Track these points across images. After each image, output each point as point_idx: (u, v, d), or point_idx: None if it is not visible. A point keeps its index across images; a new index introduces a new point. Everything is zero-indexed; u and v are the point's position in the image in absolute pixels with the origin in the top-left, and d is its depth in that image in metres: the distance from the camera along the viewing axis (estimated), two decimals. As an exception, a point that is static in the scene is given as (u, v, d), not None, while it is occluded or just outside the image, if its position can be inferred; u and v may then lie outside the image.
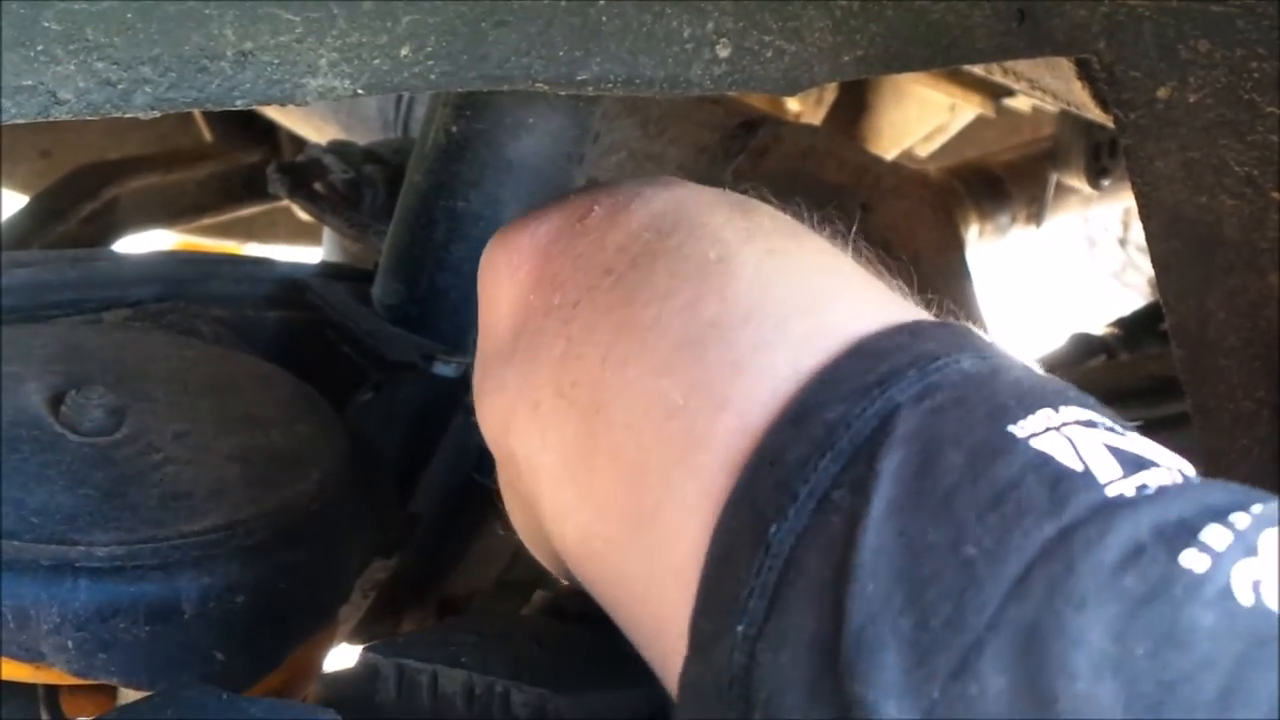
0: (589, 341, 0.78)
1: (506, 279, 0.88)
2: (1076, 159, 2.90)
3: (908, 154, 3.21)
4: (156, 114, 0.97)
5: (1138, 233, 5.07)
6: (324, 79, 1.01)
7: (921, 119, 3.30)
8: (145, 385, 1.17)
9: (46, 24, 0.92)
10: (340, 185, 1.62)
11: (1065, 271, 5.00)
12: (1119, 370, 2.28)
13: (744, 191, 0.95)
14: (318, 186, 1.63)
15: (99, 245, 2.43)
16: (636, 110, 1.94)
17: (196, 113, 2.72)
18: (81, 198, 2.38)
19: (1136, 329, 2.52)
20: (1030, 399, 0.68)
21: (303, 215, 2.18)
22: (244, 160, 2.66)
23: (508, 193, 1.33)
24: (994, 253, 3.13)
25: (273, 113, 2.45)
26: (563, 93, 1.13)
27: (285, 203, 2.80)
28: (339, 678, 0.98)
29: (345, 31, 1.01)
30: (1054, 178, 3.06)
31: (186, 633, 1.02)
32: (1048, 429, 0.66)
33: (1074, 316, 4.06)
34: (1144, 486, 0.65)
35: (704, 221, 0.82)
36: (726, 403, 0.71)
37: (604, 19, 1.11)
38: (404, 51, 1.04)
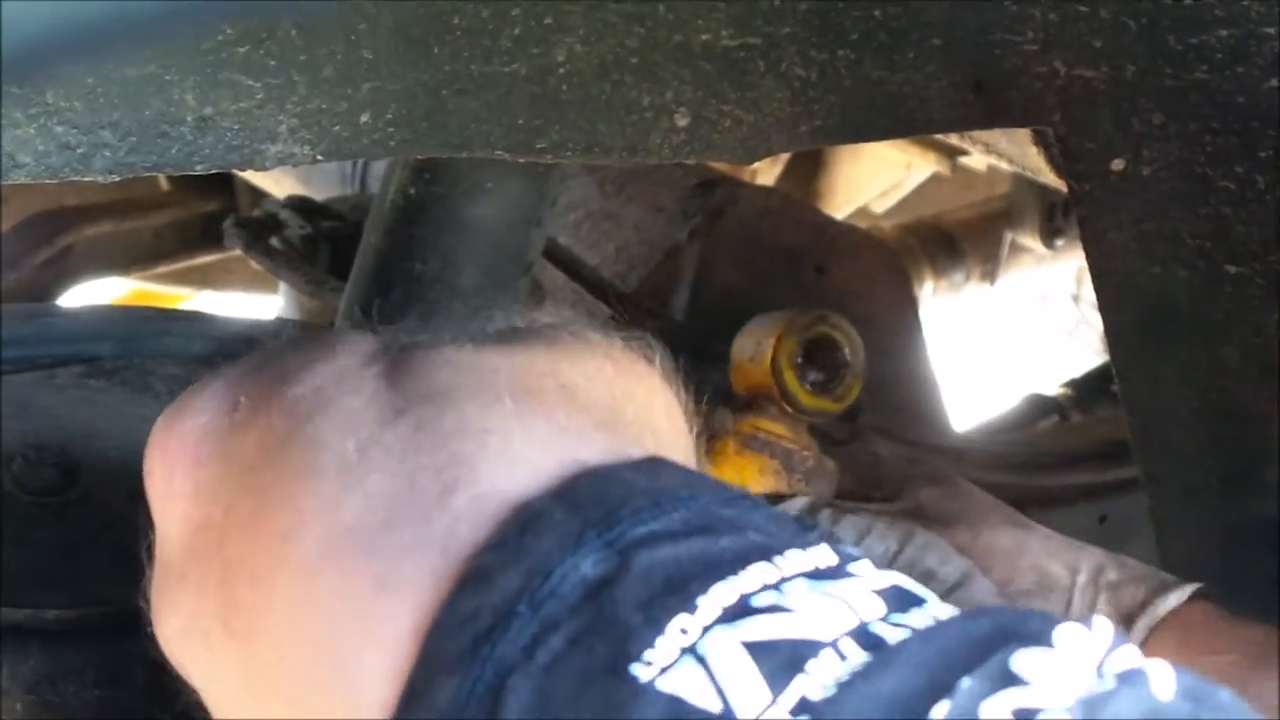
0: (242, 561, 0.68)
1: (164, 490, 0.76)
2: (1031, 219, 2.93)
3: (864, 210, 3.22)
4: (116, 178, 0.97)
5: (1090, 289, 5.09)
6: (283, 145, 1.02)
7: (878, 176, 3.31)
8: (98, 444, 1.17)
9: (7, 87, 0.92)
10: (296, 241, 1.62)
11: (1018, 327, 5.01)
12: (1070, 433, 2.29)
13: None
14: (274, 242, 1.63)
15: (54, 291, 2.42)
16: (594, 169, 1.95)
17: (153, 160, 2.71)
18: (37, 244, 2.37)
19: (1089, 390, 2.53)
20: (668, 600, 0.58)
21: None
22: (201, 209, 2.65)
23: (465, 256, 1.33)
24: (947, 308, 3.14)
25: (230, 163, 2.44)
26: (521, 160, 1.14)
27: (239, 252, 2.81)
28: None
29: (306, 98, 1.01)
30: (1008, 237, 3.08)
31: (137, 698, 1.01)
32: (681, 652, 0.55)
33: (1026, 372, 4.08)
34: (805, 699, 0.54)
35: (345, 404, 0.71)
36: (369, 634, 0.62)
37: (563, 88, 1.12)
38: (364, 118, 1.04)
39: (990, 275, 3.18)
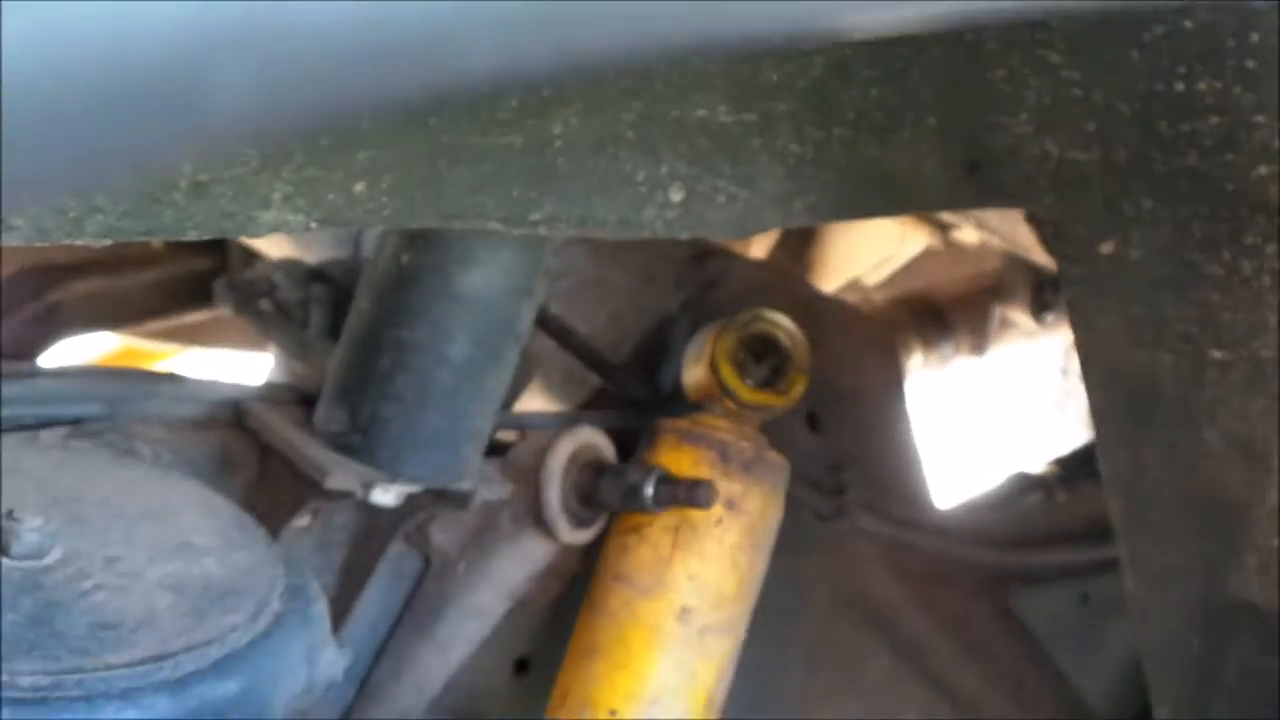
0: None
1: None
2: (1020, 294, 2.93)
3: (856, 282, 3.23)
4: (108, 242, 0.97)
5: (1077, 363, 5.10)
6: (278, 212, 1.02)
7: (870, 249, 3.31)
8: (80, 508, 1.16)
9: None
10: (288, 304, 1.61)
11: (1006, 399, 5.01)
12: (1055, 511, 2.28)
13: None
14: (265, 304, 1.63)
15: (42, 347, 2.42)
16: (588, 238, 1.94)
17: (145, 217, 2.71)
18: (25, 299, 2.36)
19: (1076, 468, 2.52)
20: None
21: (248, 327, 2.17)
22: (192, 267, 2.64)
23: (456, 325, 1.33)
24: (936, 381, 3.14)
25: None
26: (516, 232, 1.14)
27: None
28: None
29: (301, 166, 1.02)
30: (997, 311, 3.08)
31: (111, 766, 1.01)
32: None
33: (1014, 445, 4.07)
34: None
35: None
36: None
37: (559, 160, 1.12)
38: (359, 187, 1.04)
39: (979, 348, 3.18)
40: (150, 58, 0.35)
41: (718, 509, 1.54)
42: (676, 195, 1.18)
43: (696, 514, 1.54)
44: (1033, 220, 1.57)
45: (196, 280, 2.67)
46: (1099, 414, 1.46)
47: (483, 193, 1.10)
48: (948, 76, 1.28)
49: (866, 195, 1.29)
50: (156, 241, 2.70)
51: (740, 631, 1.60)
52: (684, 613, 1.54)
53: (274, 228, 1.02)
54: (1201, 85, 1.24)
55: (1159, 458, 1.44)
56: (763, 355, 1.62)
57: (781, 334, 1.62)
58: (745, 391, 1.59)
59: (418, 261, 1.32)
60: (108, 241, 0.97)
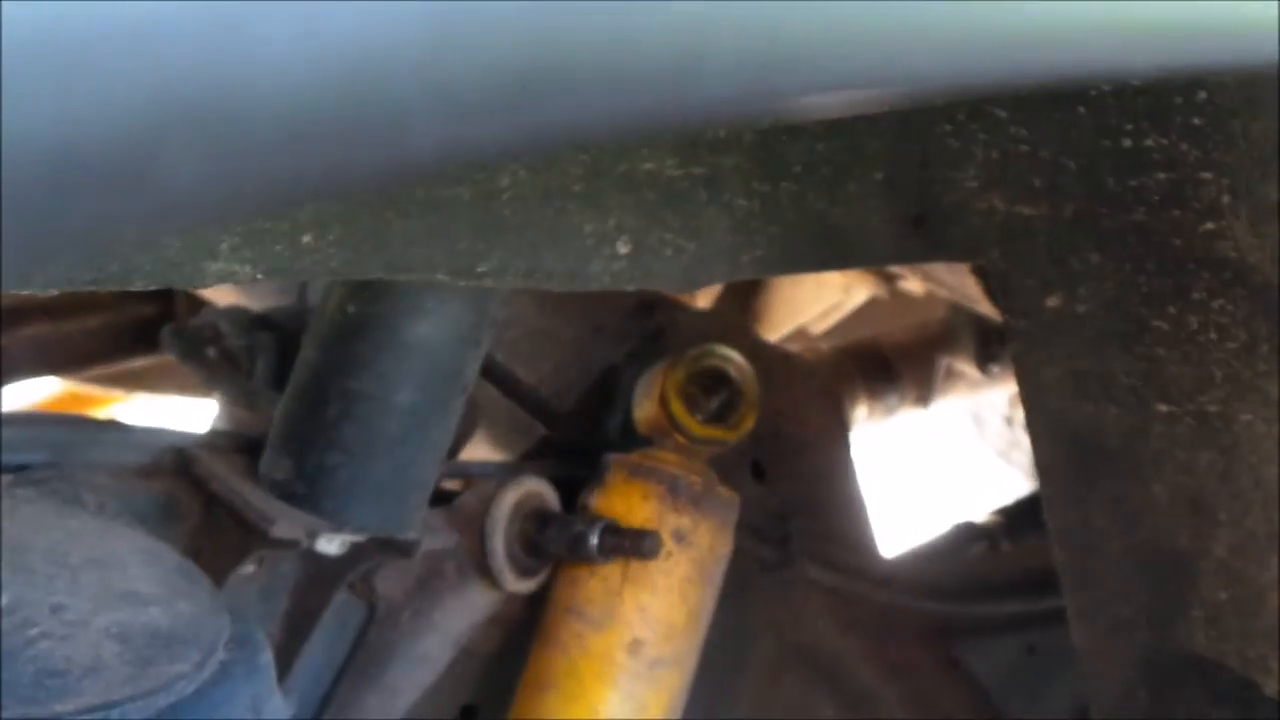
0: None
1: None
2: (966, 344, 2.94)
3: (802, 331, 3.24)
4: (55, 292, 0.97)
5: (1023, 413, 5.12)
6: (224, 263, 1.02)
7: (817, 298, 3.32)
8: (25, 557, 1.15)
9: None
10: (233, 351, 1.61)
11: (950, 449, 5.03)
12: (1000, 562, 2.29)
13: None
14: (209, 351, 1.62)
15: (-16, 391, 2.41)
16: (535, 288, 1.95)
17: (91, 262, 2.70)
18: (-33, 343, 2.35)
19: (1020, 519, 2.53)
20: None
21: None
22: (136, 313, 2.64)
23: (402, 374, 1.32)
24: (880, 431, 3.15)
25: (168, 266, 2.43)
26: (463, 284, 1.14)
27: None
28: None
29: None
30: (943, 361, 3.09)
31: (53, 819, 1.00)
32: None
33: (959, 495, 4.09)
34: None
35: None
36: None
37: (506, 213, 1.12)
38: (306, 239, 1.04)
39: (924, 399, 3.19)
40: (102, 141, 0.35)
41: (667, 542, 1.55)
42: (624, 248, 1.19)
43: None
44: (979, 273, 1.58)
45: (141, 325, 2.66)
46: (1044, 467, 1.46)
47: (430, 244, 1.10)
48: (895, 131, 1.29)
49: (813, 248, 1.30)
50: (102, 287, 2.69)
51: (690, 664, 1.61)
52: (634, 645, 1.55)
53: (221, 278, 1.02)
54: (1149, 142, 1.25)
55: (1104, 511, 1.44)
56: (713, 390, 1.63)
57: (732, 369, 1.63)
58: (695, 426, 1.60)
59: (365, 311, 1.32)
60: (54, 292, 0.97)
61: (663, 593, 1.56)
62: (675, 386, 1.60)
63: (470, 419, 1.68)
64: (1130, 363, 1.37)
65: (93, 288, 0.98)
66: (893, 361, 3.15)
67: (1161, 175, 1.26)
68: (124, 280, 0.98)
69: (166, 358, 2.76)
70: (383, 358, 1.33)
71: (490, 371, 1.79)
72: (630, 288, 1.21)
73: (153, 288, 1.00)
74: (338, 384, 1.34)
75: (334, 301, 1.34)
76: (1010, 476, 4.53)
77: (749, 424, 1.63)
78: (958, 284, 1.85)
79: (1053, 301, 1.37)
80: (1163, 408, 1.37)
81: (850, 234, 1.31)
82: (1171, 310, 1.33)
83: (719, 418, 1.63)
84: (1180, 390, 1.35)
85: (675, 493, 1.57)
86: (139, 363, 2.72)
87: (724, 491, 1.60)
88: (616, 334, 1.83)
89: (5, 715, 1.00)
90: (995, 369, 3.00)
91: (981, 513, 2.60)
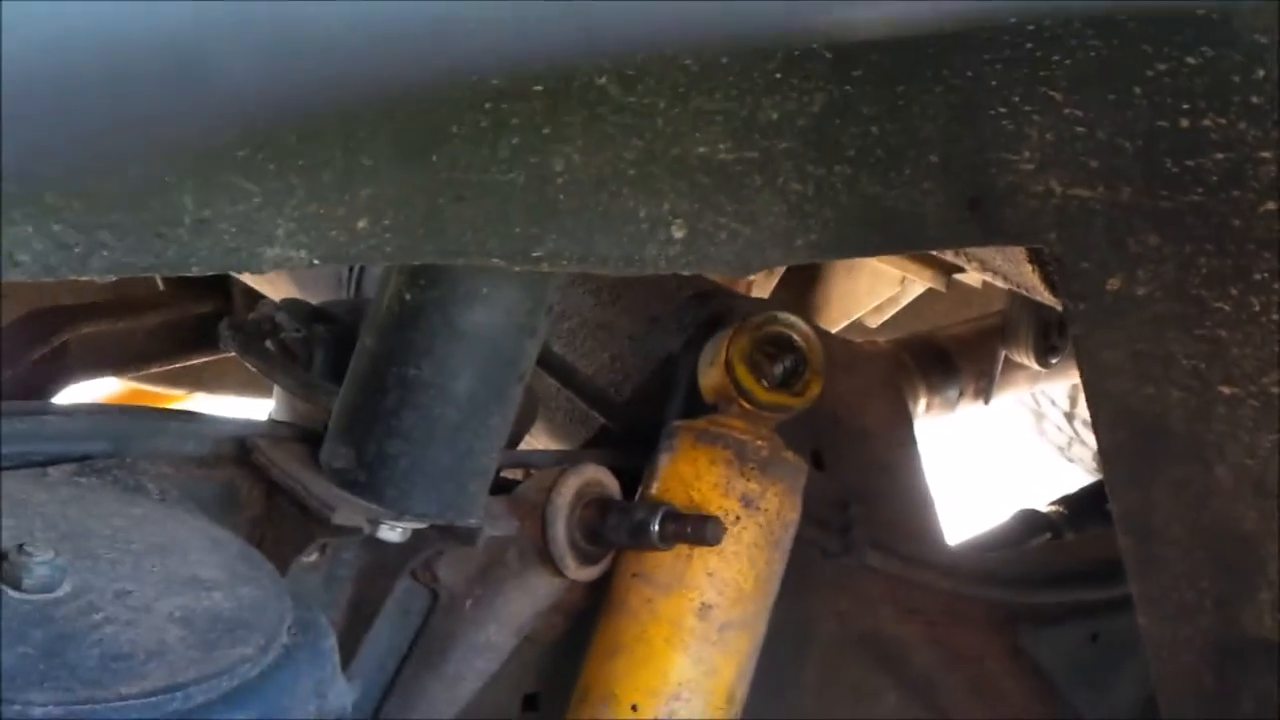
0: None
1: None
2: (1025, 336, 2.92)
3: (858, 324, 3.22)
4: (113, 278, 0.97)
5: (1085, 408, 5.09)
6: (281, 249, 1.02)
7: (873, 291, 3.31)
8: (89, 543, 1.16)
9: (5, 186, 0.92)
10: (291, 344, 1.61)
11: (1011, 446, 5.00)
12: (1063, 551, 2.28)
13: None
14: (268, 344, 1.63)
15: (49, 389, 2.42)
16: (589, 279, 1.95)
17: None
18: (33, 341, 2.37)
19: (1082, 508, 2.52)
20: None
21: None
22: (196, 310, 2.66)
23: (460, 362, 1.33)
24: (942, 425, 3.13)
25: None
26: (518, 269, 1.14)
27: (233, 355, 2.80)
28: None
29: (304, 202, 1.02)
30: (1002, 354, 3.07)
31: (121, 799, 1.01)
32: None
33: (1020, 490, 4.06)
34: None
35: None
36: None
37: (561, 197, 1.12)
38: (361, 224, 1.04)
39: (985, 392, 3.17)
40: (159, 39, 0.35)
41: (735, 507, 1.55)
42: (678, 232, 1.19)
43: (715, 513, 1.56)
44: (1036, 258, 1.57)
45: (200, 323, 2.68)
46: (1107, 452, 1.45)
47: (485, 230, 1.10)
48: (949, 113, 1.28)
49: (868, 232, 1.29)
50: (161, 284, 2.71)
51: (760, 628, 1.61)
52: (704, 609, 1.56)
53: (278, 264, 1.02)
54: (1206, 121, 1.24)
55: (1168, 495, 1.43)
56: (778, 357, 1.63)
57: (796, 335, 1.63)
58: (761, 392, 1.60)
59: (421, 299, 1.32)
60: (112, 277, 0.97)
61: (731, 557, 1.57)
62: (740, 353, 1.60)
63: (530, 410, 1.69)
64: (1192, 345, 1.35)
65: (151, 274, 0.98)
66: (952, 354, 3.13)
67: (1220, 155, 1.25)
68: (181, 265, 0.98)
69: (226, 356, 2.78)
70: (440, 345, 1.33)
71: (548, 362, 1.79)
72: (685, 271, 1.21)
73: (210, 273, 1.01)
74: (396, 372, 1.34)
75: (391, 290, 1.34)
76: (1071, 473, 4.51)
77: (815, 391, 1.62)
78: (1015, 272, 1.84)
79: (1112, 284, 1.36)
80: (1226, 390, 1.36)
81: (905, 217, 1.30)
82: (1233, 292, 1.31)
83: (784, 384, 1.62)
84: (1243, 372, 1.34)
85: (742, 458, 1.57)
86: (198, 361, 2.74)
87: (791, 456, 1.60)
88: (673, 324, 1.83)
89: (71, 698, 1.00)
90: (1055, 361, 2.98)
91: (1043, 503, 2.58)
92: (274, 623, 1.14)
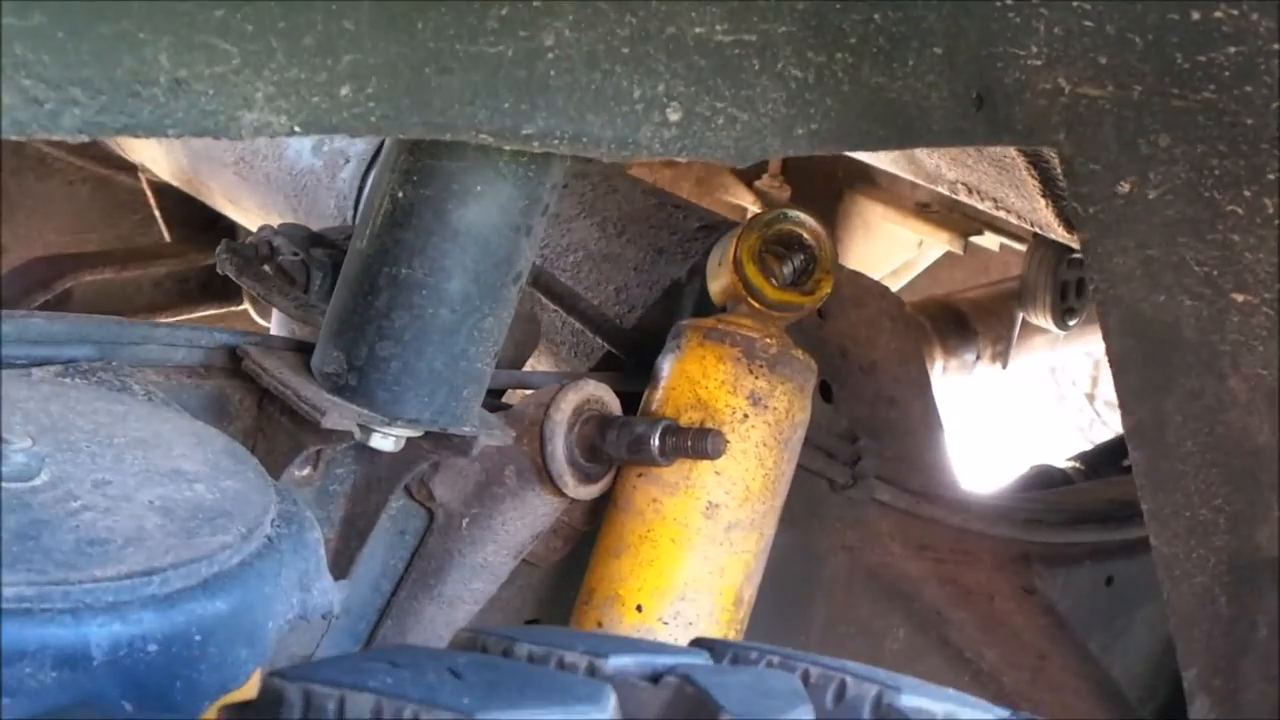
0: None
1: None
2: (1043, 297, 2.90)
3: (874, 288, 3.20)
4: (85, 138, 0.95)
5: (1105, 388, 5.08)
6: (260, 113, 0.99)
7: (889, 254, 3.30)
8: (70, 436, 1.14)
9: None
10: (288, 266, 1.59)
11: (1032, 426, 4.99)
12: (1078, 494, 2.25)
13: None
14: (266, 268, 1.60)
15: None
16: (595, 211, 1.93)
17: (157, 213, 2.71)
18: (35, 287, 2.36)
19: (1100, 463, 2.49)
20: None
21: (255, 312, 2.16)
22: (201, 262, 2.66)
23: (453, 261, 1.30)
24: (959, 389, 3.11)
25: (233, 213, 2.43)
26: (508, 146, 1.11)
27: (240, 307, 2.80)
28: (244, 705, 0.94)
29: (284, 66, 0.99)
30: (1020, 316, 3.06)
31: (95, 680, 0.98)
32: None
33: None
34: None
35: None
36: None
37: (551, 73, 1.09)
38: (344, 91, 1.02)
39: (1002, 356, 3.16)
40: None
41: (743, 405, 1.53)
42: (674, 115, 1.16)
43: (723, 411, 1.54)
44: (1044, 175, 1.54)
45: (205, 275, 2.67)
46: (1118, 362, 1.42)
47: (472, 103, 1.07)
48: (954, 4, 1.25)
49: (871, 124, 1.26)
50: (167, 235, 2.70)
51: (768, 529, 1.59)
52: (710, 508, 1.53)
53: (257, 129, 1.00)
54: (1218, 13, 1.22)
55: (1181, 407, 1.41)
56: (787, 257, 1.60)
57: (806, 233, 1.61)
58: (770, 290, 1.57)
59: (414, 196, 1.29)
60: (84, 137, 0.95)
61: (739, 456, 1.54)
62: (749, 251, 1.57)
63: (533, 332, 1.66)
64: (1204, 250, 1.33)
65: (124, 134, 0.96)
66: (969, 317, 3.12)
67: (1232, 49, 1.23)
68: (156, 127, 0.96)
69: (233, 309, 2.77)
70: (433, 244, 1.30)
71: (551, 290, 1.77)
72: (681, 157, 1.18)
73: (186, 135, 0.98)
74: (388, 272, 1.31)
75: (382, 189, 1.32)
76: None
77: (825, 290, 1.59)
78: (1029, 209, 1.81)
79: (1123, 187, 1.33)
80: (1239, 297, 1.33)
81: (909, 111, 1.28)
82: (1246, 194, 1.29)
83: (794, 284, 1.60)
84: (1256, 278, 1.31)
85: (750, 355, 1.54)
86: (203, 313, 2.74)
87: (800, 355, 1.58)
88: (679, 254, 1.81)
89: (44, 579, 0.98)
90: (1073, 323, 2.96)
91: (1060, 459, 2.56)
92: (257, 513, 1.12)
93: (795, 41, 1.20)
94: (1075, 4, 1.25)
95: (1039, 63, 1.29)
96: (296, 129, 1.01)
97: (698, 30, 1.15)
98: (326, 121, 1.02)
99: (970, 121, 1.31)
